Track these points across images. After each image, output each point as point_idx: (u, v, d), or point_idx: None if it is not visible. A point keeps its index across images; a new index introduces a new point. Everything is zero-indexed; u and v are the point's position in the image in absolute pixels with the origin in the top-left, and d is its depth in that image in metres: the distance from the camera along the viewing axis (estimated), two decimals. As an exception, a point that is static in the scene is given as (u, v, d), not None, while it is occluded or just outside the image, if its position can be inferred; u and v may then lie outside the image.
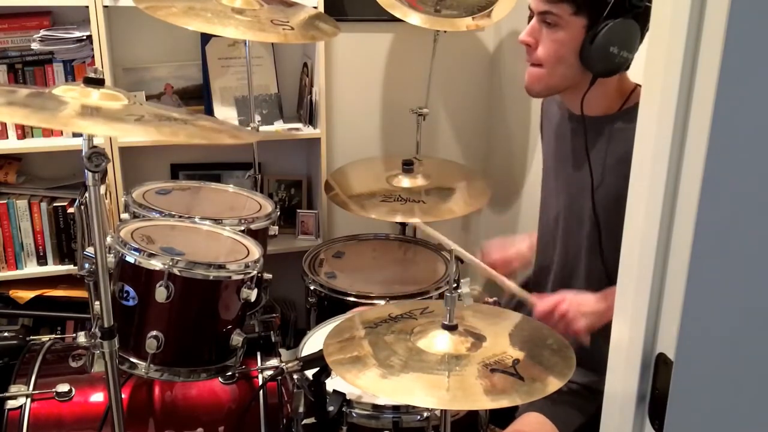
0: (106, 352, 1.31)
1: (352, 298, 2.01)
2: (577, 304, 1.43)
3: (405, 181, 2.33)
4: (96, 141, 1.20)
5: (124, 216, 1.80)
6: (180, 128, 1.26)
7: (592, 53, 1.37)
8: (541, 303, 1.46)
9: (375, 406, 1.44)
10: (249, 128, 2.26)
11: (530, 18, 1.49)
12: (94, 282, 1.52)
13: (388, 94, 2.74)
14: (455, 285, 1.87)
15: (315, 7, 2.34)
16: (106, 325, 1.30)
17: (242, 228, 1.77)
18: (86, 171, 1.20)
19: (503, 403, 1.10)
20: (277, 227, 1.91)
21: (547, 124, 1.70)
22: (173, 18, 1.86)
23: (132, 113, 1.23)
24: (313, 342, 1.70)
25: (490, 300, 1.75)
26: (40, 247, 2.32)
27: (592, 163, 1.48)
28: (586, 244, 1.53)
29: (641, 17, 1.35)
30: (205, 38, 2.47)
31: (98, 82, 1.26)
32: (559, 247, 1.62)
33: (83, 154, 1.19)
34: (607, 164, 1.47)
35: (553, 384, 1.12)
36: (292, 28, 1.99)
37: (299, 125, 2.56)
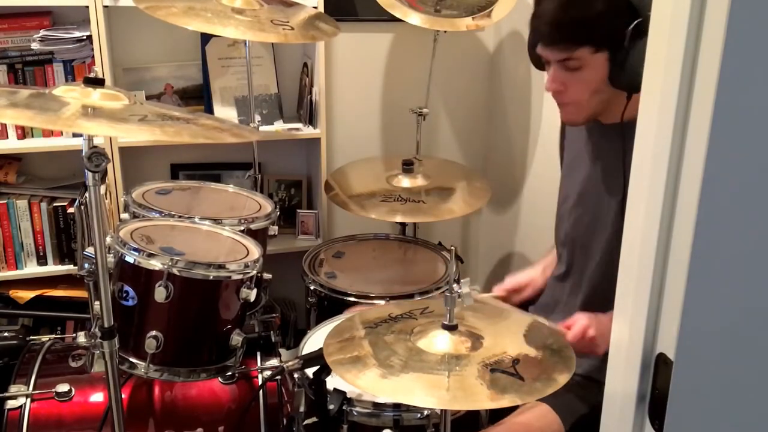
0: (106, 352, 1.31)
1: (352, 298, 2.01)
2: (598, 322, 1.43)
3: (405, 181, 2.33)
4: (96, 141, 1.20)
5: (124, 216, 1.80)
6: (183, 127, 1.27)
7: (624, 77, 1.36)
8: (570, 334, 1.44)
9: (376, 405, 1.45)
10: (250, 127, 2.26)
11: (540, 63, 1.48)
12: (94, 282, 1.52)
13: (388, 94, 2.74)
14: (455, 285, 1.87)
15: (315, 7, 2.34)
16: (106, 325, 1.30)
17: (242, 228, 1.77)
18: (86, 171, 1.20)
19: (503, 403, 1.10)
20: (276, 227, 1.91)
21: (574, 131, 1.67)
22: (173, 18, 1.86)
23: (134, 113, 1.24)
24: (313, 342, 1.70)
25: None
26: (40, 247, 2.32)
27: (626, 167, 1.46)
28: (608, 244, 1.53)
29: None
30: (205, 38, 2.47)
31: (98, 82, 1.26)
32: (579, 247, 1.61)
33: (83, 154, 1.19)
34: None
35: (553, 384, 1.12)
36: (292, 28, 1.99)
37: (299, 125, 2.56)
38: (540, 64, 1.50)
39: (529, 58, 1.55)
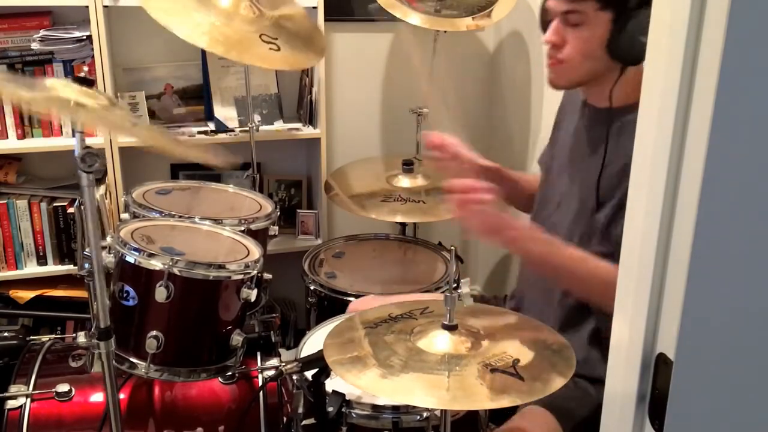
0: (102, 353, 1.31)
1: (352, 298, 2.01)
2: (506, 214, 1.41)
3: (405, 181, 2.33)
4: (96, 141, 1.20)
5: (124, 216, 1.80)
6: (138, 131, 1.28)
7: (624, 44, 1.35)
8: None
9: (375, 407, 1.44)
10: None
11: (546, 22, 1.47)
12: (94, 282, 1.52)
13: (388, 94, 2.74)
14: (455, 285, 1.87)
15: (315, 7, 2.35)
16: (102, 326, 1.29)
17: (242, 228, 1.77)
18: (80, 172, 1.19)
19: (503, 402, 1.10)
20: (277, 227, 1.91)
21: (568, 118, 1.66)
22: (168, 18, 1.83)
23: (113, 114, 1.24)
24: (313, 342, 1.70)
25: (493, 299, 1.74)
26: (40, 247, 2.32)
27: (608, 151, 1.45)
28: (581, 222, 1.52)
29: None
30: (205, 38, 2.47)
31: (88, 82, 1.25)
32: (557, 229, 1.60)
33: (76, 154, 1.18)
34: (617, 152, 1.45)
35: (553, 384, 1.12)
36: (279, 48, 1.91)
37: (299, 125, 2.56)
38: (545, 24, 1.48)
39: (540, 18, 1.53)
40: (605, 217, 1.44)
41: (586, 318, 1.52)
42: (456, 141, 1.64)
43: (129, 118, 1.32)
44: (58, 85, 1.23)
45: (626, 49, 1.36)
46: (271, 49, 1.90)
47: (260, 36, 1.91)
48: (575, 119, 1.60)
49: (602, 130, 1.47)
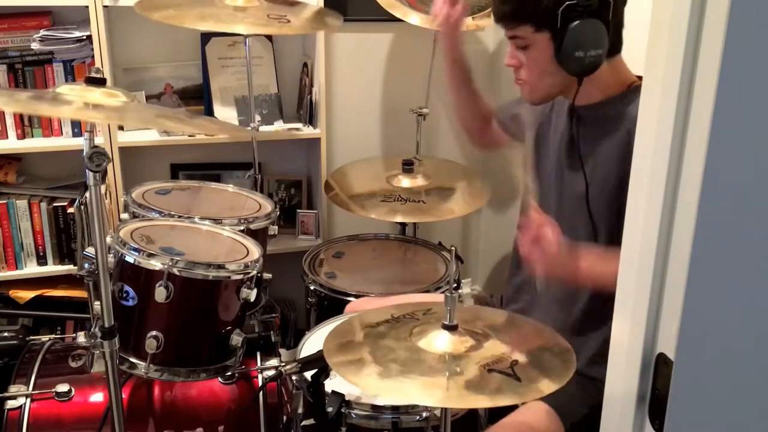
0: (106, 352, 1.31)
1: (351, 299, 2.01)
2: (561, 241, 1.40)
3: (405, 181, 2.33)
4: (96, 141, 1.20)
5: (124, 216, 1.80)
6: (181, 121, 1.29)
7: (564, 61, 1.40)
8: (536, 213, 1.43)
9: (374, 407, 1.44)
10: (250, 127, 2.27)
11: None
12: (94, 282, 1.52)
13: (388, 94, 2.74)
14: (455, 285, 1.87)
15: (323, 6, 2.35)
16: (106, 325, 1.30)
17: (242, 228, 1.77)
18: (87, 171, 1.20)
19: (501, 402, 1.10)
20: (276, 227, 1.91)
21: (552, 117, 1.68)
22: (171, 20, 1.86)
23: (133, 110, 1.24)
24: (313, 342, 1.70)
25: (489, 298, 1.74)
26: (40, 247, 2.32)
27: (581, 148, 1.49)
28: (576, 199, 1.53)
29: (599, 13, 1.36)
30: (205, 38, 2.47)
31: (99, 82, 1.26)
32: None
33: (84, 153, 1.19)
34: (600, 145, 1.47)
35: (550, 386, 1.12)
36: (289, 21, 1.99)
37: (299, 125, 2.56)
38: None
39: None
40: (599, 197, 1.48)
41: (603, 324, 1.51)
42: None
43: (151, 110, 1.33)
44: (69, 90, 1.24)
45: (570, 64, 1.39)
46: (281, 23, 1.98)
47: (268, 16, 2.00)
48: (559, 119, 1.63)
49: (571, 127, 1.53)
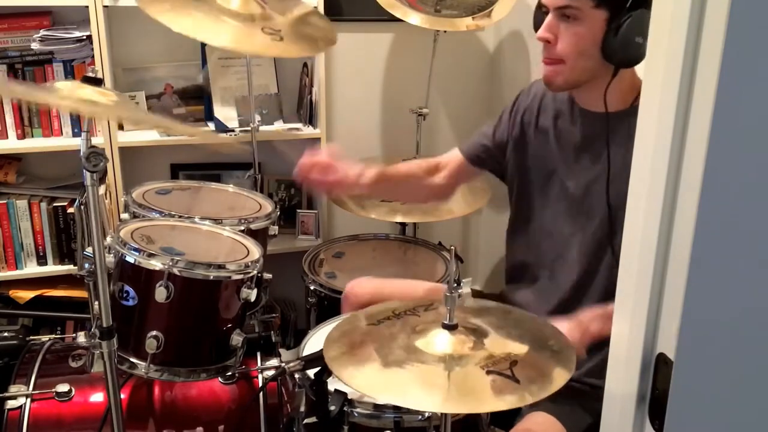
0: (104, 353, 1.31)
1: (352, 298, 2.01)
2: (578, 323, 1.41)
3: (405, 181, 2.32)
4: (95, 141, 1.21)
5: (124, 216, 1.80)
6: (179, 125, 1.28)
7: (617, 45, 1.34)
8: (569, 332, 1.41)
9: (376, 406, 1.44)
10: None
11: (539, 15, 1.46)
12: (94, 282, 1.51)
13: (388, 94, 2.74)
14: (455, 285, 1.86)
15: (315, 8, 2.34)
16: (104, 325, 1.30)
17: (242, 228, 1.77)
18: (84, 171, 1.20)
19: (501, 405, 1.09)
20: (277, 227, 1.91)
21: (543, 117, 1.64)
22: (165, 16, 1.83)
23: (128, 108, 1.24)
24: (314, 342, 1.70)
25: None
26: (40, 247, 2.32)
27: (611, 157, 1.44)
28: (596, 244, 1.51)
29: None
30: (205, 38, 2.47)
31: (96, 82, 1.26)
32: (567, 255, 1.58)
33: (81, 153, 1.19)
34: (625, 159, 1.44)
35: (550, 386, 1.12)
36: (282, 39, 1.90)
37: (299, 125, 2.56)
38: (539, 21, 1.47)
39: (534, 15, 1.51)
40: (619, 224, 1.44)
41: (607, 343, 1.51)
42: (330, 152, 1.58)
43: (143, 110, 1.33)
44: (65, 87, 1.24)
45: (620, 50, 1.35)
46: (273, 39, 1.89)
47: (262, 29, 1.90)
48: (562, 121, 1.59)
49: (602, 136, 1.46)
